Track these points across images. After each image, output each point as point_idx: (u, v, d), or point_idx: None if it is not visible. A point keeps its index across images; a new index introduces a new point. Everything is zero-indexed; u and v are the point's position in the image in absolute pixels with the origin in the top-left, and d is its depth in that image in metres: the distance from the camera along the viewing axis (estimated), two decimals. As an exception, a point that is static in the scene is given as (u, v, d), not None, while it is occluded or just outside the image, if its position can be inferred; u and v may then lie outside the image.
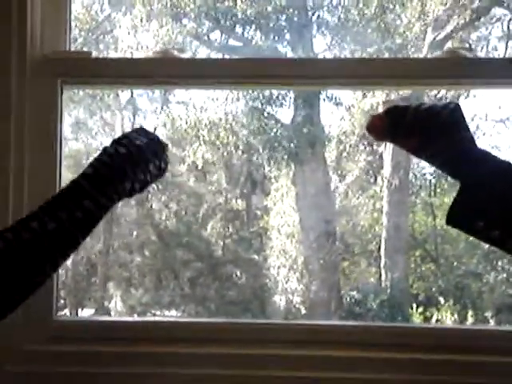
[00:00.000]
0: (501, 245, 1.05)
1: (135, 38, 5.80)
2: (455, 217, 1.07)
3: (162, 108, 6.45)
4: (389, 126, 1.17)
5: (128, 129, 6.61)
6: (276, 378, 1.69)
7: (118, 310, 6.67)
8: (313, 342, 1.73)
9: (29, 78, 1.72)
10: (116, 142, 1.28)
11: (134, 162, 1.26)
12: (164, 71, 1.74)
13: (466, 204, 1.05)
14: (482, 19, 6.52)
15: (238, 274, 6.87)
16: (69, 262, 6.09)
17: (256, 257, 6.80)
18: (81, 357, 1.73)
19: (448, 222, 1.09)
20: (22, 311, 1.40)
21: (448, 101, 1.17)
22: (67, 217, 1.16)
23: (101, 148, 1.27)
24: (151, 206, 6.86)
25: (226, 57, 6.10)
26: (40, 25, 1.75)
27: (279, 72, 1.72)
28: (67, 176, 1.77)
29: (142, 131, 1.34)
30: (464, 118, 1.13)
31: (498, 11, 6.54)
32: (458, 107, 1.12)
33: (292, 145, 6.47)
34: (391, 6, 6.36)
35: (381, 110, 1.23)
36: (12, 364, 1.72)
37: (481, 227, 1.04)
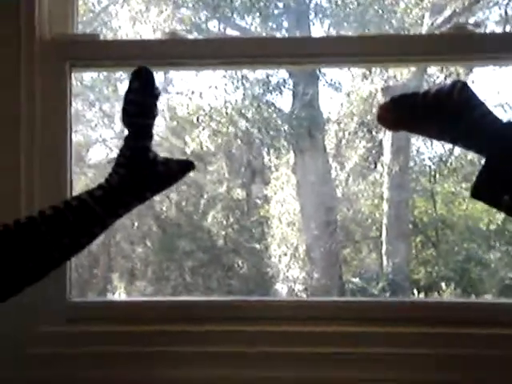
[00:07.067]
0: None
1: (133, 29, 5.78)
2: (481, 190, 1.06)
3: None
4: (398, 116, 1.15)
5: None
6: (278, 354, 1.70)
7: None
8: (314, 318, 1.74)
9: (37, 61, 1.73)
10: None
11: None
12: (173, 52, 1.75)
13: (491, 177, 1.05)
14: (480, 4, 6.51)
15: (240, 263, 6.88)
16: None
17: (257, 246, 6.80)
18: (96, 337, 1.74)
19: (473, 195, 1.08)
20: (37, 293, 1.42)
21: (451, 81, 1.16)
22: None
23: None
24: (152, 197, 6.84)
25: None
26: (48, 8, 1.75)
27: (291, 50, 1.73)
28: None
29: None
30: (475, 93, 1.12)
31: (495, -5, 6.55)
32: (465, 84, 1.11)
33: (292, 133, 6.45)
34: (388, -9, 6.35)
35: (380, 96, 1.21)
36: (28, 346, 1.73)
37: (506, 201, 1.04)
